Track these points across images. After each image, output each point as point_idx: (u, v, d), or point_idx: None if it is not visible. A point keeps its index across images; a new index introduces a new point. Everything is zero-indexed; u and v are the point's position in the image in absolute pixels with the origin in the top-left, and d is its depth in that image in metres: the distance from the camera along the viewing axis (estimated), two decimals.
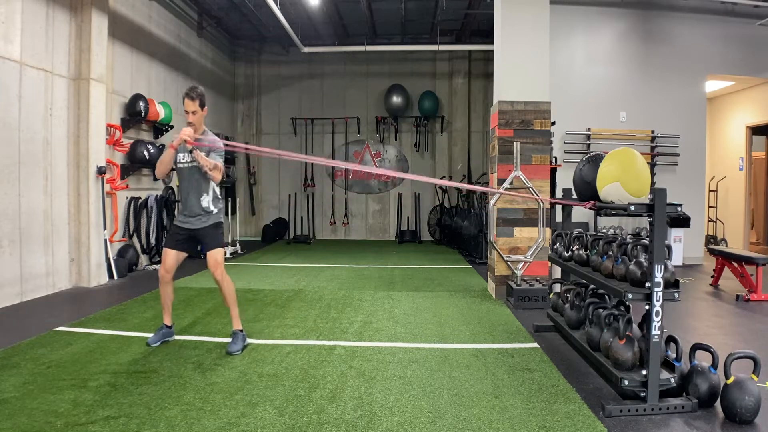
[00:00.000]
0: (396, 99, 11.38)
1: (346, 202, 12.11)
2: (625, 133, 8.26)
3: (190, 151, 3.69)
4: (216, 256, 3.84)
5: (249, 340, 4.03)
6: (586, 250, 3.64)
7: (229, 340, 3.93)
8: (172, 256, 3.87)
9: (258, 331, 4.35)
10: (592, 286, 3.76)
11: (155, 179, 7.78)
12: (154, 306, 5.15)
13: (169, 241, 3.95)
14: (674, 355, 2.97)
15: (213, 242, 3.86)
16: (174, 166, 3.83)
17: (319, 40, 10.88)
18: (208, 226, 3.85)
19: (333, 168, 12.01)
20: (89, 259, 6.03)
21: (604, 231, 3.78)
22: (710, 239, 9.78)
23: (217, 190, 3.94)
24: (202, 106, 3.80)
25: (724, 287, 6.37)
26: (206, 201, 3.84)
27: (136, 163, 6.98)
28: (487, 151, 10.10)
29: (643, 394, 2.82)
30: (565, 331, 3.78)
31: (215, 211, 3.89)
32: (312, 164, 11.92)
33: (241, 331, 3.92)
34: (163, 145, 7.68)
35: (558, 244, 4.14)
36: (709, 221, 10.19)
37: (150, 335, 4.05)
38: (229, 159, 11.00)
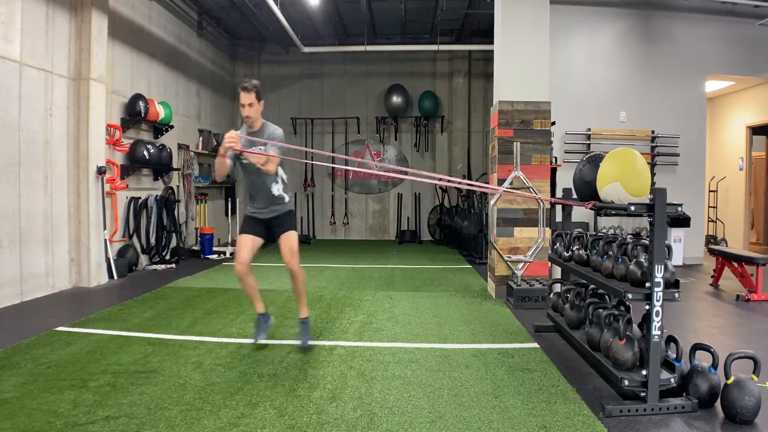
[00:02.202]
0: (396, 99, 11.37)
1: (346, 202, 12.11)
2: (625, 133, 8.26)
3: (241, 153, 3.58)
4: (291, 243, 3.73)
5: (249, 340, 4.03)
6: (586, 250, 3.64)
7: (228, 340, 3.93)
8: (247, 244, 3.73)
9: None
10: (592, 286, 3.75)
11: (156, 179, 7.79)
12: (154, 306, 5.16)
13: (244, 227, 3.83)
14: (674, 355, 2.97)
15: (288, 226, 3.78)
16: (235, 162, 3.69)
17: (319, 40, 10.88)
18: (283, 213, 3.81)
19: (332, 167, 12.00)
20: (89, 259, 6.03)
21: (604, 231, 3.79)
22: (710, 239, 9.78)
23: (285, 177, 3.87)
24: (258, 98, 3.64)
25: (724, 287, 6.37)
26: (277, 189, 3.78)
27: (136, 163, 6.98)
28: (487, 151, 10.09)
29: (643, 394, 2.82)
30: (565, 331, 3.78)
31: (287, 199, 3.84)
32: (312, 164, 11.91)
33: (307, 318, 3.89)
34: (163, 145, 7.68)
35: (558, 244, 4.14)
36: (709, 221, 10.19)
37: (150, 335, 4.05)
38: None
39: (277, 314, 4.92)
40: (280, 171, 3.82)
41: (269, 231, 3.84)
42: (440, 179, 11.21)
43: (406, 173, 10.34)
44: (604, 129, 8.24)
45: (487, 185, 9.72)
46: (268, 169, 3.57)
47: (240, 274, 3.73)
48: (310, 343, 3.88)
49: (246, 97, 3.61)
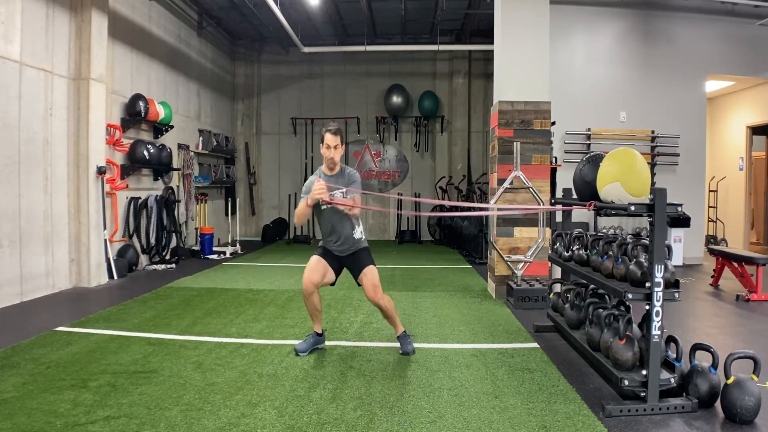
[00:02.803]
0: (396, 99, 11.37)
1: None
2: (625, 133, 8.26)
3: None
4: (372, 278, 3.68)
5: (249, 340, 4.03)
6: (586, 250, 3.64)
7: (228, 339, 3.94)
8: (320, 269, 3.68)
9: (258, 331, 4.35)
10: (592, 286, 3.76)
11: (156, 179, 7.79)
12: (154, 306, 5.16)
13: (322, 254, 3.77)
14: (674, 355, 2.97)
15: (366, 261, 3.75)
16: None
17: (319, 40, 10.88)
18: (360, 249, 3.78)
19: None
20: (89, 259, 6.03)
21: (604, 231, 3.79)
22: (710, 239, 9.77)
23: (359, 218, 3.84)
24: (343, 142, 3.69)
25: (724, 287, 6.37)
26: (358, 233, 3.77)
27: (136, 163, 6.98)
28: (487, 151, 10.09)
29: (643, 394, 2.82)
30: (565, 331, 3.78)
31: (364, 238, 3.83)
32: (312, 164, 11.91)
33: (406, 333, 3.88)
34: (163, 145, 7.68)
35: (558, 244, 4.14)
36: (709, 221, 10.19)
37: (150, 335, 4.05)
38: (229, 159, 11.01)
39: (277, 313, 4.93)
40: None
41: (343, 266, 3.82)
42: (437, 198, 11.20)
43: (403, 179, 10.29)
44: (604, 129, 8.24)
45: (479, 189, 9.70)
46: (354, 213, 3.62)
47: (307, 293, 3.67)
48: (415, 345, 3.88)
49: (333, 140, 3.63)
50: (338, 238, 3.73)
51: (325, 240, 3.82)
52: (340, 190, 3.65)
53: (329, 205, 3.61)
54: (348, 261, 3.78)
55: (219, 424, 2.64)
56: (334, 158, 3.66)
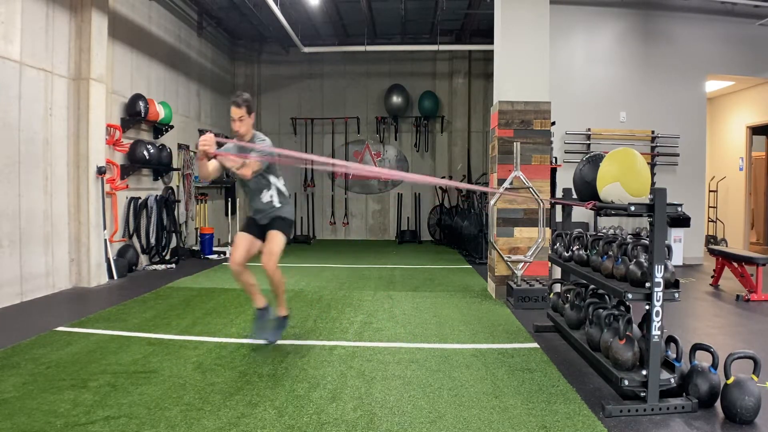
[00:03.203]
0: (396, 99, 11.37)
1: (346, 202, 12.11)
2: (625, 133, 8.26)
3: (214, 157, 3.60)
4: (272, 244, 3.71)
5: (249, 340, 4.03)
6: (586, 250, 3.64)
7: (228, 340, 3.94)
8: (243, 244, 3.75)
9: None
10: (592, 286, 3.75)
11: (155, 179, 7.79)
12: (154, 306, 5.16)
13: (244, 227, 3.90)
14: (674, 355, 2.97)
15: (275, 226, 3.79)
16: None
17: (319, 40, 10.88)
18: (276, 217, 3.83)
19: (332, 167, 12.00)
20: (89, 259, 6.03)
21: (604, 231, 3.78)
22: (710, 239, 9.77)
23: (283, 188, 3.88)
24: (249, 112, 3.68)
25: (724, 287, 6.37)
26: (268, 196, 3.80)
27: (136, 163, 6.98)
28: (487, 151, 10.08)
29: (643, 394, 2.82)
30: (565, 331, 3.78)
31: (278, 204, 3.84)
32: (312, 164, 11.91)
33: (286, 316, 3.94)
34: (163, 145, 7.68)
35: (558, 244, 4.14)
36: (709, 221, 10.19)
37: (150, 335, 4.05)
38: None
39: None
40: (274, 179, 3.83)
41: (264, 234, 3.85)
42: (442, 178, 11.24)
43: (403, 178, 10.34)
44: (604, 129, 8.24)
45: (480, 186, 9.74)
46: (243, 172, 3.57)
47: (235, 273, 3.77)
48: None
49: (237, 111, 3.64)
50: (257, 205, 3.82)
51: (249, 209, 3.93)
52: (250, 153, 3.62)
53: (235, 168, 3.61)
54: (266, 228, 3.82)
55: (219, 424, 2.64)
56: (239, 131, 3.68)
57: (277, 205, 3.84)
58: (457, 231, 9.85)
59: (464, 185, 5.49)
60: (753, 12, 8.21)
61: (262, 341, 3.90)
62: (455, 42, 11.12)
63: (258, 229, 3.86)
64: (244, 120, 3.66)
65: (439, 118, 11.75)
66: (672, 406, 2.80)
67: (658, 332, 2.75)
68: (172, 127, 7.96)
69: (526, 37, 5.68)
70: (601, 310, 3.27)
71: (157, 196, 7.62)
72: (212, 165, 3.64)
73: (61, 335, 4.10)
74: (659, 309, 2.76)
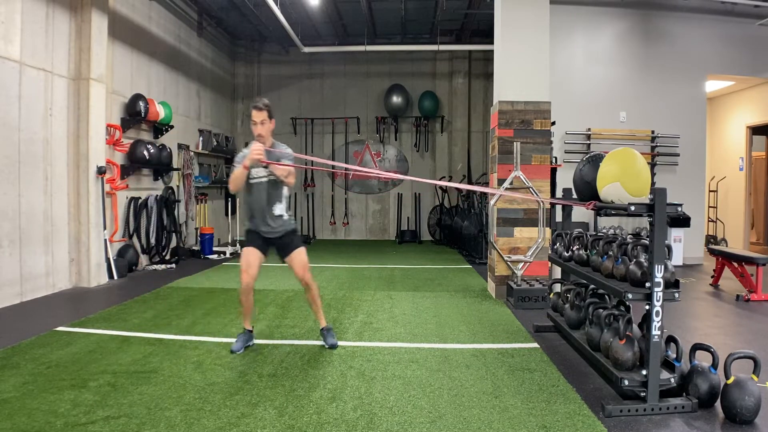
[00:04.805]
0: (396, 99, 11.37)
1: (346, 202, 12.11)
2: (625, 133, 8.26)
3: (265, 166, 3.62)
4: (303, 259, 3.80)
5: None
6: (586, 250, 3.64)
7: (228, 340, 3.94)
8: (256, 257, 3.73)
9: (258, 331, 4.34)
10: (592, 286, 3.76)
11: (155, 179, 7.79)
12: (154, 306, 5.16)
13: (251, 241, 3.80)
14: (674, 355, 2.97)
15: (297, 243, 3.83)
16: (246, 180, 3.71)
17: (319, 40, 10.88)
18: (289, 231, 3.84)
19: (333, 167, 12.00)
20: (89, 259, 6.02)
21: (604, 231, 3.79)
22: (710, 239, 9.77)
23: (287, 194, 3.86)
24: (270, 116, 3.68)
25: (724, 287, 6.37)
26: (279, 209, 3.78)
27: (136, 163, 6.98)
28: (487, 151, 10.10)
29: (643, 394, 2.82)
30: (565, 331, 3.78)
31: (286, 217, 3.84)
32: (312, 164, 11.92)
33: (330, 327, 4.00)
34: (163, 145, 7.68)
35: (558, 244, 4.14)
36: (709, 221, 10.19)
37: (150, 335, 4.05)
38: (229, 159, 10.99)
39: (277, 313, 4.93)
40: (286, 191, 3.82)
41: (274, 249, 3.86)
42: (441, 179, 11.22)
43: (403, 177, 10.35)
44: (604, 129, 8.24)
45: (480, 186, 9.75)
46: (290, 181, 3.64)
47: (248, 287, 3.72)
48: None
49: (258, 115, 3.63)
50: (266, 217, 3.75)
51: (252, 221, 3.84)
52: (274, 158, 3.64)
53: (266, 177, 3.65)
54: (277, 242, 3.82)
55: (219, 424, 2.64)
56: (261, 134, 3.66)
57: (287, 218, 3.84)
58: (457, 231, 9.85)
59: (464, 186, 5.49)
60: (753, 12, 8.21)
61: (238, 351, 3.79)
62: (455, 42, 11.12)
63: (263, 243, 3.80)
64: (265, 124, 3.66)
65: (439, 118, 11.75)
66: (672, 406, 2.80)
67: (658, 332, 2.76)
68: (172, 127, 7.96)
69: (526, 37, 5.68)
70: (601, 310, 3.27)
71: (157, 196, 7.61)
72: (245, 175, 3.63)
73: (61, 335, 4.10)
74: (659, 309, 2.76)
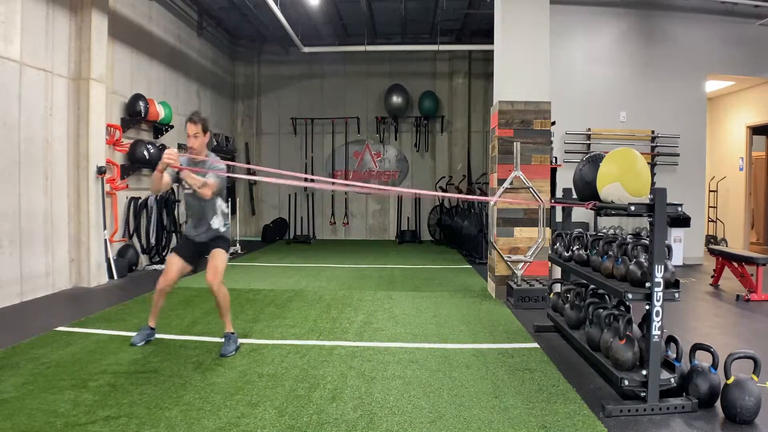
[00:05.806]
0: (396, 99, 11.37)
1: (346, 202, 12.11)
2: (625, 133, 8.26)
3: (177, 173, 3.68)
4: (216, 261, 3.77)
5: (249, 340, 4.03)
6: (586, 250, 3.64)
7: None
8: (177, 265, 3.84)
9: (258, 331, 4.35)
10: (592, 286, 3.75)
11: None
12: None
13: (179, 248, 3.95)
14: (674, 355, 2.97)
15: (216, 245, 3.84)
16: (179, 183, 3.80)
17: (319, 40, 10.87)
18: (217, 236, 3.88)
19: (333, 167, 12.01)
20: (89, 259, 6.02)
21: (604, 231, 3.79)
22: (710, 239, 9.77)
23: (226, 210, 3.93)
24: (204, 130, 3.78)
25: (724, 287, 6.37)
26: (216, 222, 3.84)
27: (136, 163, 6.98)
28: (487, 151, 10.07)
29: (643, 394, 2.82)
30: (565, 331, 3.78)
31: (223, 230, 3.89)
32: (312, 164, 11.92)
33: (233, 333, 3.89)
34: (163, 145, 7.67)
35: (558, 244, 4.14)
36: (709, 221, 10.19)
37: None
38: (230, 159, 10.99)
39: (277, 314, 4.93)
40: (220, 203, 3.85)
41: (200, 254, 3.91)
42: (437, 188, 11.21)
43: (403, 179, 10.30)
44: (604, 129, 8.24)
45: (480, 188, 9.73)
46: (204, 192, 3.63)
47: (162, 291, 3.87)
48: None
49: (192, 128, 3.75)
50: (198, 224, 3.85)
51: (187, 227, 3.96)
52: (201, 176, 3.67)
53: (188, 191, 3.72)
54: (202, 247, 3.88)
55: (219, 424, 2.64)
56: (193, 147, 3.76)
57: (222, 229, 3.89)
58: (457, 231, 9.85)
59: (462, 197, 5.47)
60: (753, 12, 8.21)
61: (138, 344, 3.86)
62: (455, 42, 11.13)
63: (193, 248, 3.89)
64: (198, 137, 3.76)
65: (439, 118, 11.75)
66: (672, 406, 2.80)
67: (658, 332, 2.76)
68: (172, 127, 7.96)
69: (526, 37, 5.68)
70: (601, 310, 3.27)
71: (157, 196, 7.61)
72: (166, 179, 3.70)
73: (61, 335, 4.10)
74: (659, 309, 2.76)
